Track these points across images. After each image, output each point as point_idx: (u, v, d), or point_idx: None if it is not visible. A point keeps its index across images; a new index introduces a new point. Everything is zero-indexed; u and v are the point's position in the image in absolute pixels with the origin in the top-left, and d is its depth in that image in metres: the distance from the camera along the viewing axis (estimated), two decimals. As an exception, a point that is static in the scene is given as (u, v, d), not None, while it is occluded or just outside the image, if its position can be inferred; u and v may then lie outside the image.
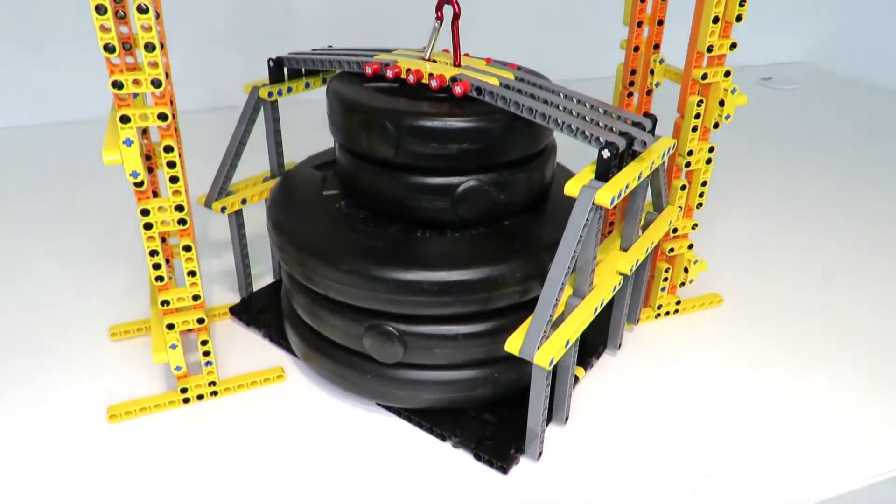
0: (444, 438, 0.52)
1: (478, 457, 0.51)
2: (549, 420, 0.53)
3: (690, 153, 0.58)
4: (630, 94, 0.66)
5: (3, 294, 0.69)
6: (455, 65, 0.53)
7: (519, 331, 0.45)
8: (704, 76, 0.55)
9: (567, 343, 0.45)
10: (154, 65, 0.42)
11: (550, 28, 1.35)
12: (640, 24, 0.62)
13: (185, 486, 0.48)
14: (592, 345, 0.61)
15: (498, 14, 1.28)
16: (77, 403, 0.55)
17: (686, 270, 0.64)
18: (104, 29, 0.40)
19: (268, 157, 0.64)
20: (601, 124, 0.47)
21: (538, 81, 0.52)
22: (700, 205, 0.62)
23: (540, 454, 0.51)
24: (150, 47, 0.42)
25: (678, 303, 0.68)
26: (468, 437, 0.52)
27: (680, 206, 0.61)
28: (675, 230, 0.62)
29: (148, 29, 0.41)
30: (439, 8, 0.52)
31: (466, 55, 0.56)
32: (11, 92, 1.08)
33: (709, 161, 0.60)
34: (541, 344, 0.44)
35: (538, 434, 0.49)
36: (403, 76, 0.52)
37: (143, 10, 0.40)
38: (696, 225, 0.63)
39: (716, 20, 0.53)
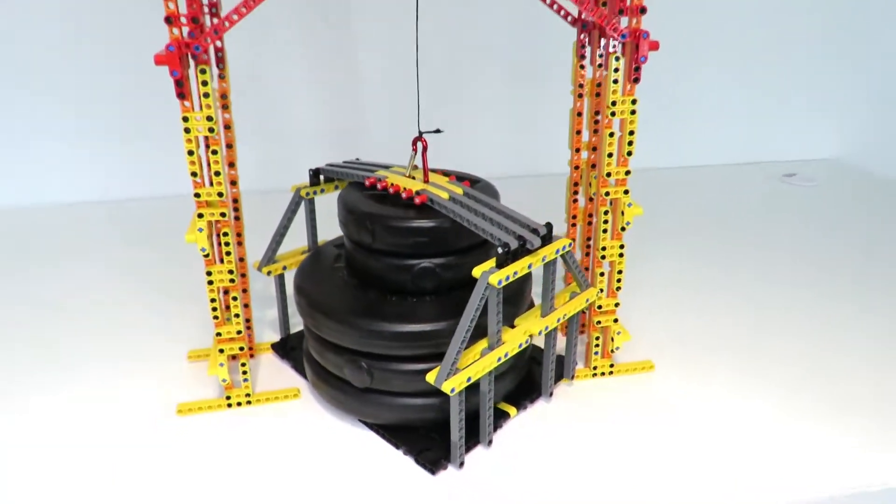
0: (397, 447, 0.72)
1: (417, 462, 0.70)
2: (476, 442, 0.72)
3: (604, 248, 0.77)
4: (576, 200, 0.86)
5: (110, 322, 0.97)
6: (424, 181, 0.75)
7: (437, 368, 0.65)
8: (607, 193, 0.74)
9: (469, 379, 0.64)
10: (220, 183, 0.68)
11: (524, 132, 1.56)
12: (577, 150, 0.82)
13: (223, 463, 0.71)
14: (528, 391, 0.80)
15: (481, 121, 1.53)
16: (157, 400, 0.80)
17: (612, 340, 0.82)
18: (191, 161, 0.66)
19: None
20: (507, 230, 0.67)
21: (479, 196, 0.73)
22: (619, 288, 0.80)
23: (462, 463, 0.69)
24: (217, 174, 0.67)
25: (612, 366, 0.84)
26: (414, 448, 0.71)
27: (601, 289, 0.79)
28: (600, 307, 0.80)
29: (218, 174, 0.67)
30: (413, 143, 0.75)
31: (438, 172, 0.79)
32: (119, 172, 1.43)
33: (621, 255, 0.78)
34: (448, 377, 0.63)
35: (458, 445, 0.68)
36: (389, 188, 0.75)
37: (231, 166, 0.66)
38: (618, 304, 0.81)
39: (610, 155, 0.72)
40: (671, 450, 0.72)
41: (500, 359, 0.67)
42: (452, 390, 0.63)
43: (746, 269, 1.14)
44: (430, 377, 0.65)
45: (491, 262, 0.65)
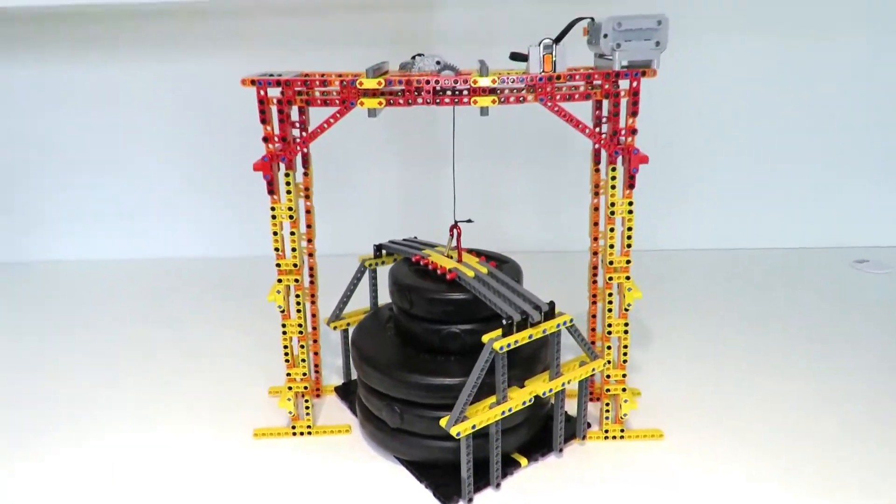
0: (420, 480, 0.87)
1: (434, 494, 0.84)
2: (486, 483, 0.84)
3: (610, 325, 0.89)
4: (595, 281, 0.98)
5: (201, 361, 1.19)
6: (458, 260, 0.92)
7: (448, 415, 0.79)
8: (611, 278, 0.87)
9: (474, 426, 0.78)
10: (296, 257, 0.88)
11: (556, 213, 1.71)
12: (596, 239, 0.96)
13: (280, 478, 0.89)
14: (540, 446, 0.91)
15: (520, 204, 1.70)
16: (239, 425, 0.99)
17: (621, 407, 0.92)
18: (275, 239, 0.87)
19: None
20: (515, 305, 0.82)
21: (500, 276, 0.88)
22: (625, 361, 0.91)
23: (470, 500, 0.82)
24: (294, 249, 0.87)
25: (622, 430, 0.94)
26: (434, 482, 0.85)
27: (609, 360, 0.91)
28: (608, 376, 0.92)
29: (294, 249, 0.87)
30: (450, 230, 0.92)
31: (473, 252, 0.95)
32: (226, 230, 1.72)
33: (626, 332, 0.89)
34: (456, 423, 0.78)
35: (466, 482, 0.81)
36: (429, 265, 0.92)
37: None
38: (625, 374, 0.91)
39: (612, 246, 0.85)
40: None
41: (504, 413, 0.80)
42: (458, 434, 0.77)
43: (798, 355, 1.16)
44: (443, 422, 0.79)
45: (498, 332, 0.79)
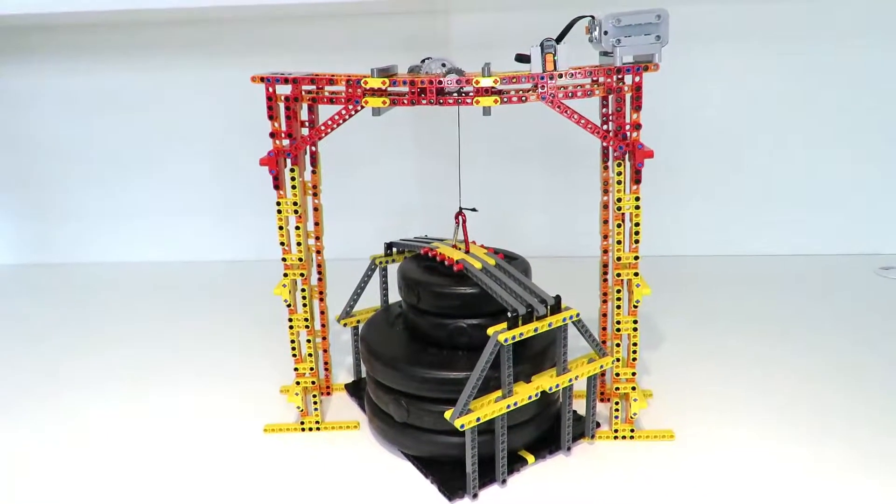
0: (426, 476, 0.86)
1: (439, 489, 0.83)
2: (492, 479, 0.84)
3: (619, 322, 0.88)
4: (605, 279, 0.97)
5: (227, 361, 1.20)
6: (465, 252, 0.92)
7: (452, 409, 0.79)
8: (619, 274, 0.86)
9: (478, 419, 0.78)
10: (301, 251, 0.89)
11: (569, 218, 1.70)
12: (605, 237, 0.95)
13: (288, 472, 0.89)
14: (549, 443, 0.90)
15: (534, 207, 1.70)
16: (250, 421, 1.00)
17: (630, 406, 0.91)
18: (281, 234, 0.88)
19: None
20: (521, 298, 0.81)
21: (507, 268, 0.88)
22: (635, 359, 0.90)
23: (475, 495, 0.82)
24: (299, 244, 0.88)
25: (632, 430, 0.93)
26: (439, 477, 0.85)
27: (618, 358, 0.90)
28: (618, 374, 0.90)
29: (300, 244, 0.88)
30: (455, 217, 0.92)
31: (481, 246, 0.95)
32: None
33: (635, 329, 0.88)
34: (460, 416, 0.77)
35: (471, 477, 0.81)
36: (437, 256, 0.92)
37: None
38: (634, 373, 0.90)
39: (619, 242, 0.85)
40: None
41: (509, 406, 0.80)
42: (462, 427, 0.77)
43: (819, 359, 1.14)
44: (447, 414, 0.79)
45: (503, 325, 0.79)
